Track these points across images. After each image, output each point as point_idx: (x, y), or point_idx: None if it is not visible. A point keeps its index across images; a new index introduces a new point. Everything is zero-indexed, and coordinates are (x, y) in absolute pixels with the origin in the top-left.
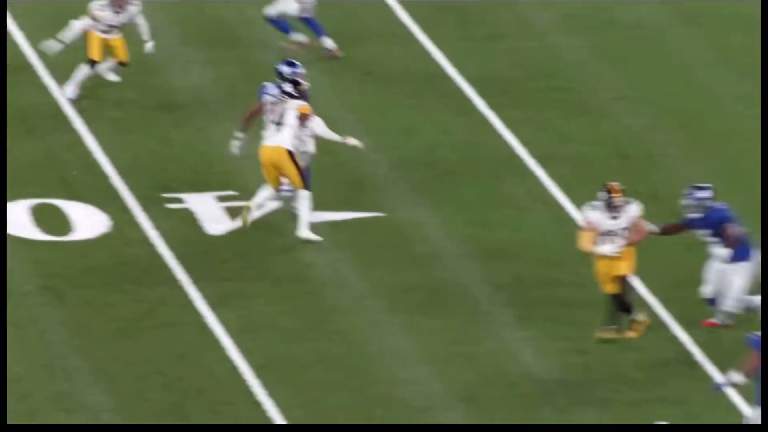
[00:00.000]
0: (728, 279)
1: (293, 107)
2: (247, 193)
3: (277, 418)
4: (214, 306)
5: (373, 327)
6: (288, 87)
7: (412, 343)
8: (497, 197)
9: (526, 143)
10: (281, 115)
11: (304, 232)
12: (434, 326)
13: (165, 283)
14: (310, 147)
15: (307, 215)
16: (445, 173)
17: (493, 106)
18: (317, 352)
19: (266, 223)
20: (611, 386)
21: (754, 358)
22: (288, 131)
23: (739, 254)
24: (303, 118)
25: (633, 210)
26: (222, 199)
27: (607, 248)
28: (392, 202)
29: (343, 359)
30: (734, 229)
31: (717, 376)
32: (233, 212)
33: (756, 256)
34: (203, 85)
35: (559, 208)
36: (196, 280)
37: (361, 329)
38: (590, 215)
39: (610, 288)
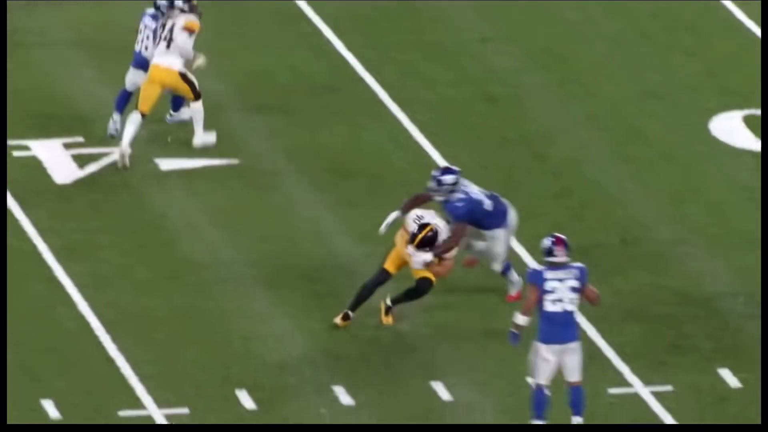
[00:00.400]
0: (491, 247)
1: (182, 21)
2: (95, 139)
3: (130, 376)
4: (63, 258)
5: (230, 281)
6: (179, 2)
7: (269, 298)
8: (358, 143)
9: (387, 87)
10: (171, 30)
11: (200, 139)
12: (293, 280)
13: (11, 235)
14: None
15: (201, 124)
16: (303, 118)
17: (351, 47)
18: (171, 306)
19: (116, 173)
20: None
21: (533, 293)
22: (176, 49)
23: (496, 222)
24: (189, 31)
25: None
26: (69, 146)
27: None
28: (248, 150)
29: (198, 314)
30: (457, 229)
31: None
32: (80, 160)
33: (512, 213)
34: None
35: (423, 153)
36: (44, 232)
37: (217, 283)
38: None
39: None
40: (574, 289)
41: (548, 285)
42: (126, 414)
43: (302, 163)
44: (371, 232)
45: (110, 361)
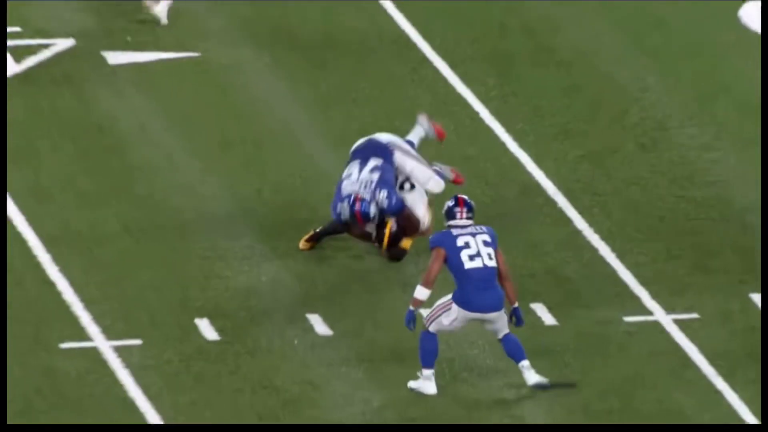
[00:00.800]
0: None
1: None
2: (32, 30)
3: (74, 302)
4: None
5: (188, 191)
6: None
7: (233, 212)
8: (339, 29)
9: None
10: None
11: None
12: (260, 191)
13: None
14: None
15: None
16: (270, 4)
17: None
18: (121, 221)
19: (58, 68)
20: None
21: (437, 259)
22: None
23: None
24: None
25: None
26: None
27: None
28: (209, 41)
29: (151, 230)
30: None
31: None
32: (17, 53)
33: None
34: None
35: (410, 43)
36: None
37: (173, 194)
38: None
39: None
40: (488, 243)
41: (460, 240)
42: (69, 346)
43: (273, 55)
44: (350, 136)
45: (50, 285)
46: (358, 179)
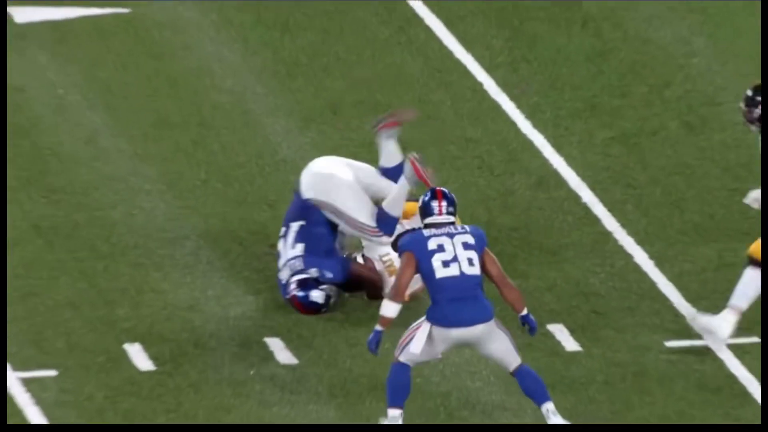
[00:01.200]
0: None
1: None
2: None
3: None
4: None
5: (115, 177)
6: None
7: (169, 202)
8: None
9: None
10: None
11: None
12: (205, 179)
13: None
14: None
15: None
16: None
17: None
18: (28, 220)
19: None
20: None
21: (408, 265)
22: None
23: None
24: None
25: None
26: None
27: None
28: None
29: (69, 229)
30: None
31: None
32: None
33: None
34: None
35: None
36: None
37: (96, 181)
38: None
39: None
40: (469, 246)
41: (432, 243)
42: None
43: (221, 11)
44: (319, 113)
45: None
46: (285, 263)
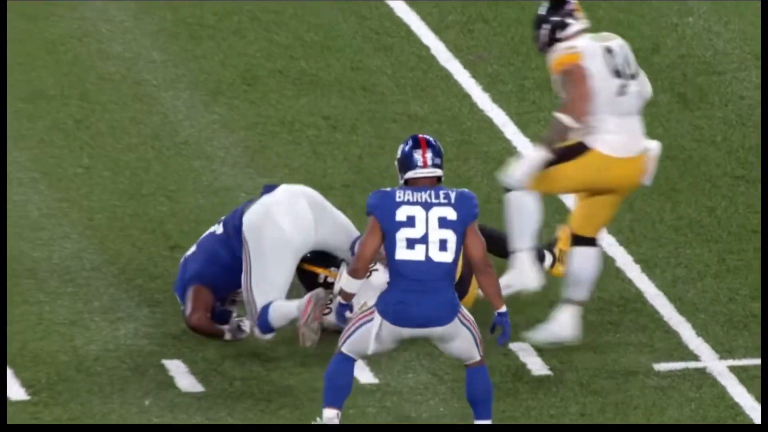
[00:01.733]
0: None
1: None
2: None
3: None
4: None
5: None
6: None
7: (24, 155)
8: None
9: None
10: None
11: None
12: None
13: None
14: None
15: None
16: None
17: None
18: None
19: None
20: None
21: (373, 232)
22: None
23: None
24: None
25: None
26: None
27: None
28: None
29: None
30: None
31: None
32: None
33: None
34: None
35: None
36: None
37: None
38: None
39: None
40: (447, 223)
41: (402, 212)
42: None
43: None
44: (231, 85)
45: None
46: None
